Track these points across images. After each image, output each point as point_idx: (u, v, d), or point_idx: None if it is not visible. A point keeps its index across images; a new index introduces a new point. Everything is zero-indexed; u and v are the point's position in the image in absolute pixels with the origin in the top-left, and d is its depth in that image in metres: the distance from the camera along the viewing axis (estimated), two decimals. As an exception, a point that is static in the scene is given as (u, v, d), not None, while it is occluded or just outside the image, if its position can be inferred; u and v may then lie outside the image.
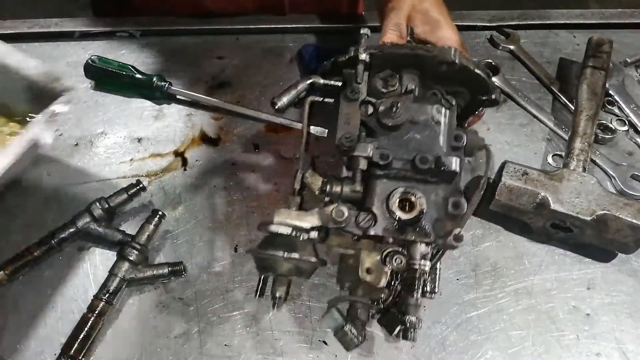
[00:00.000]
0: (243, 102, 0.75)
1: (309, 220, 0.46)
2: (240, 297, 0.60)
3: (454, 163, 0.45)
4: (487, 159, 0.50)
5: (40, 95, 0.59)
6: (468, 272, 0.62)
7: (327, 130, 0.70)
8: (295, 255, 0.45)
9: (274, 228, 0.46)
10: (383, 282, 0.46)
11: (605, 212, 0.60)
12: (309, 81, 0.53)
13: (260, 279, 0.48)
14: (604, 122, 0.75)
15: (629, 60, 0.83)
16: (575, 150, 0.68)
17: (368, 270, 0.47)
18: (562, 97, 0.78)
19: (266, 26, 0.84)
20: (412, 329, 0.47)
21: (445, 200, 0.46)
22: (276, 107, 0.53)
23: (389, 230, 0.45)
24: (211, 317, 0.58)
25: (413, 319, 0.47)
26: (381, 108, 0.48)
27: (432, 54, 0.50)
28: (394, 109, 0.47)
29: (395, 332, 0.48)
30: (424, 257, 0.45)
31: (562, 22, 0.88)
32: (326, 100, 0.53)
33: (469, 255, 0.63)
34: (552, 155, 0.72)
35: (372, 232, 0.45)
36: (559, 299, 0.61)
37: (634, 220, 0.60)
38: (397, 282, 0.48)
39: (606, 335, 0.59)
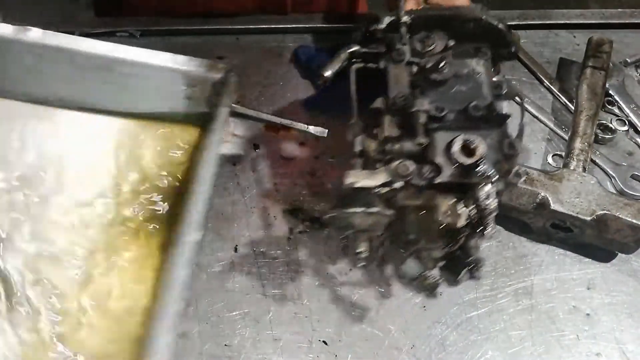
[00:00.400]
0: (243, 102, 0.75)
1: (378, 178, 0.49)
2: (240, 297, 0.60)
3: (505, 106, 0.50)
4: (521, 106, 0.54)
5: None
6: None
7: (327, 130, 0.70)
8: (374, 209, 0.48)
9: (360, 184, 0.49)
10: (461, 222, 0.50)
11: (605, 212, 0.60)
12: (349, 50, 0.58)
13: (341, 240, 0.53)
14: (604, 122, 0.75)
15: (629, 60, 0.83)
16: (575, 150, 0.68)
17: (445, 214, 0.50)
18: (562, 97, 0.78)
19: (266, 26, 0.84)
20: (477, 267, 0.53)
21: (500, 142, 0.50)
22: (324, 79, 0.57)
23: (454, 176, 0.49)
24: (211, 317, 0.58)
25: (479, 257, 0.53)
26: (429, 65, 0.52)
27: (462, 13, 0.56)
28: (441, 65, 0.51)
29: (461, 275, 0.55)
30: (488, 196, 0.49)
31: (562, 22, 0.88)
32: (369, 65, 0.57)
33: (469, 255, 0.64)
34: (552, 155, 0.72)
35: (438, 181, 0.49)
36: (559, 299, 0.61)
37: (634, 220, 0.59)
38: (463, 226, 0.51)
39: (606, 335, 0.59)
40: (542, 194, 0.61)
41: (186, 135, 0.67)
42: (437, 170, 0.49)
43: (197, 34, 0.83)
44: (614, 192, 0.67)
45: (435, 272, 0.54)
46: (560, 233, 0.64)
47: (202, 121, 0.65)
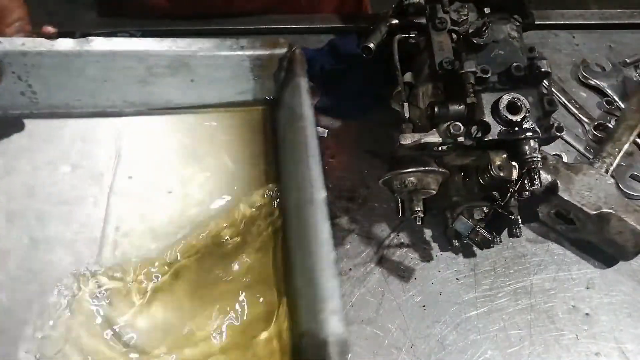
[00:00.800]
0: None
1: (430, 139, 0.52)
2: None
3: (545, 64, 0.53)
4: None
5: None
6: (467, 271, 0.62)
7: (327, 130, 0.71)
8: (431, 167, 0.52)
9: (425, 140, 0.52)
10: (515, 175, 0.53)
11: (611, 211, 0.60)
12: (388, 23, 0.61)
13: (398, 201, 0.55)
14: (603, 122, 0.75)
15: (628, 61, 0.83)
16: (604, 152, 0.68)
17: (500, 168, 0.53)
18: (562, 97, 0.79)
19: (266, 26, 0.84)
20: (518, 225, 0.57)
21: (540, 100, 0.54)
22: (368, 50, 0.60)
23: (502, 133, 0.52)
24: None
25: (518, 217, 0.57)
26: (471, 30, 0.55)
27: None
28: (484, 28, 0.54)
29: (504, 232, 0.58)
30: (534, 151, 0.52)
31: (562, 22, 0.88)
32: (411, 35, 0.61)
33: (468, 255, 0.64)
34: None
35: (488, 138, 0.52)
36: (558, 298, 0.62)
37: (638, 226, 0.59)
38: (512, 184, 0.54)
39: (605, 335, 0.60)
40: (552, 178, 0.62)
41: (259, 116, 0.69)
42: (486, 129, 0.53)
43: (197, 34, 0.83)
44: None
45: (484, 229, 0.56)
46: (562, 225, 0.64)
47: (269, 102, 0.69)
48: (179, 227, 0.60)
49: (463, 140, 0.53)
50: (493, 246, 0.57)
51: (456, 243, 0.61)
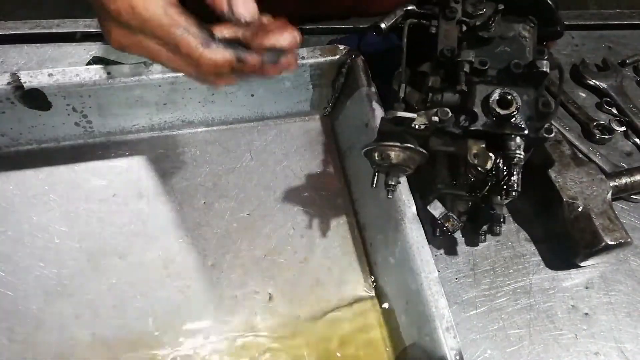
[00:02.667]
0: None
1: (418, 120, 0.53)
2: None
3: (545, 65, 0.53)
4: (560, 75, 0.58)
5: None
6: (467, 271, 0.63)
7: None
8: (410, 145, 0.52)
9: (400, 115, 0.53)
10: (489, 165, 0.54)
11: (585, 208, 0.61)
12: (405, 8, 0.61)
13: (374, 172, 0.55)
14: (602, 122, 0.75)
15: (627, 61, 0.83)
16: (625, 176, 0.67)
17: (475, 156, 0.54)
18: (561, 98, 0.79)
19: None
20: (499, 224, 0.58)
21: (535, 100, 0.54)
22: (380, 29, 0.60)
23: (488, 125, 0.53)
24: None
25: (501, 214, 0.58)
26: (478, 23, 0.56)
27: None
28: (491, 22, 0.55)
29: (484, 228, 0.59)
30: (517, 148, 0.52)
31: (561, 22, 0.88)
32: (422, 22, 0.61)
33: (468, 255, 0.64)
34: None
35: (473, 128, 0.53)
36: (558, 298, 0.62)
37: (601, 232, 0.59)
38: (490, 174, 0.55)
39: (605, 335, 0.60)
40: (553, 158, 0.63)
41: (317, 125, 0.70)
42: (473, 118, 0.53)
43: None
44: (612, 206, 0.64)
45: (455, 215, 0.57)
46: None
47: (327, 110, 0.70)
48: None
49: (451, 127, 0.54)
50: (454, 234, 0.59)
51: (437, 233, 0.61)
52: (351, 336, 0.56)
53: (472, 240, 0.64)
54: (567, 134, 0.73)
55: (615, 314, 0.61)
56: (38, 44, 0.80)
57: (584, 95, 0.80)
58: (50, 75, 0.56)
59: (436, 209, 0.58)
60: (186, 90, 0.62)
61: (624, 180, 0.66)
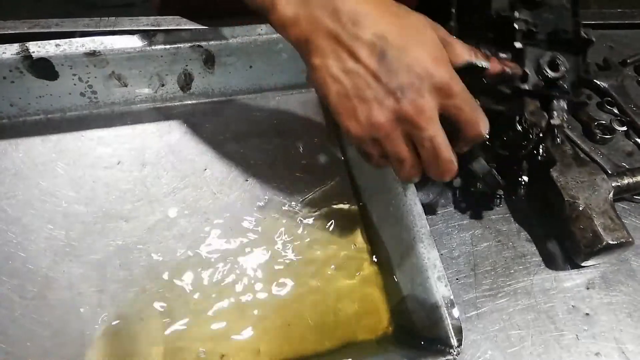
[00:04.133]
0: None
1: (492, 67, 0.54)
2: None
3: (590, 33, 0.56)
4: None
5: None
6: (467, 271, 0.62)
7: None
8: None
9: (474, 61, 0.52)
10: (544, 123, 0.56)
11: (586, 207, 0.60)
12: None
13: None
14: (603, 122, 0.75)
15: (628, 61, 0.83)
16: (628, 176, 0.67)
17: (532, 112, 0.56)
18: (561, 97, 0.79)
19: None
20: (524, 187, 0.61)
21: (578, 67, 0.57)
22: None
23: (538, 86, 0.56)
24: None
25: (525, 178, 0.61)
26: None
27: None
28: None
29: (500, 192, 0.62)
30: (561, 110, 0.56)
31: (562, 22, 0.88)
32: None
33: (469, 255, 0.64)
34: None
35: (524, 87, 0.56)
36: (559, 298, 0.62)
37: (602, 231, 0.59)
38: (533, 135, 0.57)
39: (606, 335, 0.60)
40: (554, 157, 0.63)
41: (315, 97, 0.71)
42: (524, 77, 0.55)
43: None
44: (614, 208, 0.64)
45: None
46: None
47: None
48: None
49: (501, 86, 0.56)
50: (497, 195, 0.62)
51: (477, 188, 0.61)
52: (348, 291, 0.58)
53: (487, 205, 0.66)
54: (568, 134, 0.73)
55: (616, 314, 0.61)
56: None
57: (585, 94, 0.80)
58: (57, 45, 0.59)
59: (480, 166, 0.58)
60: (187, 61, 0.64)
61: (626, 180, 0.66)
